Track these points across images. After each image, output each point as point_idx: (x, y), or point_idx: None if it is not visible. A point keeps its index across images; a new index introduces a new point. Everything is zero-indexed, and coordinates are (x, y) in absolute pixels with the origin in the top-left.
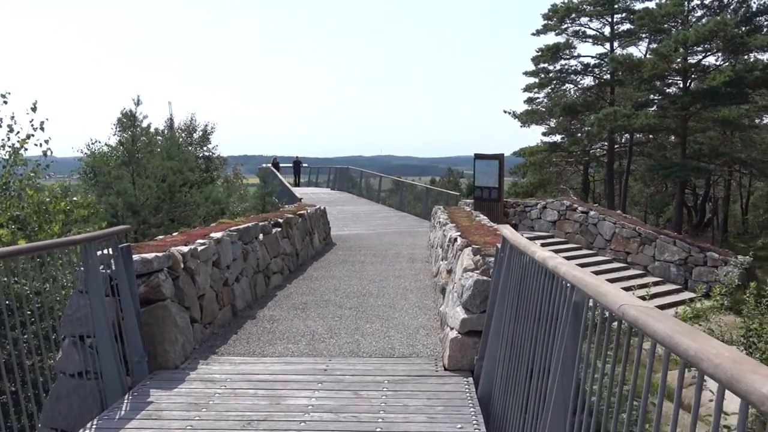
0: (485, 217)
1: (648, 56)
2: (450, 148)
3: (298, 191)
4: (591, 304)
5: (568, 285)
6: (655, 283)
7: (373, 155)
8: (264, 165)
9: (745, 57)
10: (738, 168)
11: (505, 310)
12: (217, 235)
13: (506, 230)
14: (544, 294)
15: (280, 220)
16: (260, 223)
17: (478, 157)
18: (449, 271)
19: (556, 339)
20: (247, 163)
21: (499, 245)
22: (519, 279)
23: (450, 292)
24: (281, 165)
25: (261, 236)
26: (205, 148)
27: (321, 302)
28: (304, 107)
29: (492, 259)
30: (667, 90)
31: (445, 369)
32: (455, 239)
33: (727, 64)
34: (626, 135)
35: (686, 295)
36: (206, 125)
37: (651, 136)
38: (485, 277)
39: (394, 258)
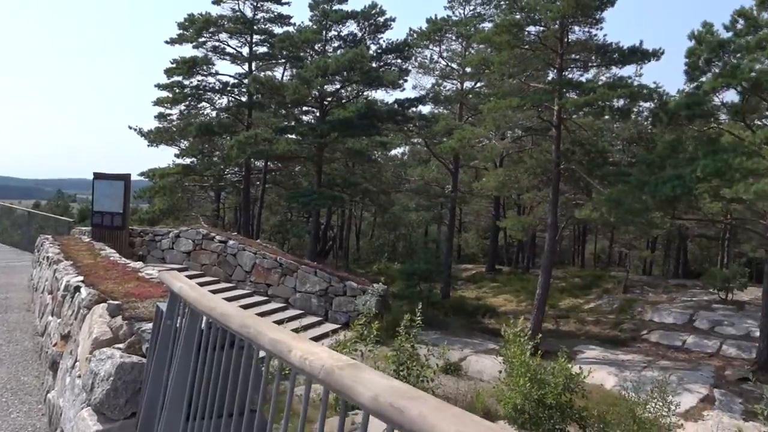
0: (114, 251)
1: (290, 80)
2: (62, 169)
3: None
4: None
5: None
6: (298, 317)
7: None
8: None
9: (375, 91)
10: (359, 198)
11: (189, 416)
12: None
13: (179, 282)
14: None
15: None
16: None
17: (98, 177)
18: (66, 337)
19: None
20: None
21: (161, 304)
22: (220, 367)
23: (69, 374)
24: None
25: None
26: None
27: None
28: None
29: (147, 325)
30: (304, 117)
31: None
32: (77, 288)
33: (361, 96)
34: (259, 162)
35: (328, 326)
36: None
37: (280, 164)
38: (136, 358)
39: None
